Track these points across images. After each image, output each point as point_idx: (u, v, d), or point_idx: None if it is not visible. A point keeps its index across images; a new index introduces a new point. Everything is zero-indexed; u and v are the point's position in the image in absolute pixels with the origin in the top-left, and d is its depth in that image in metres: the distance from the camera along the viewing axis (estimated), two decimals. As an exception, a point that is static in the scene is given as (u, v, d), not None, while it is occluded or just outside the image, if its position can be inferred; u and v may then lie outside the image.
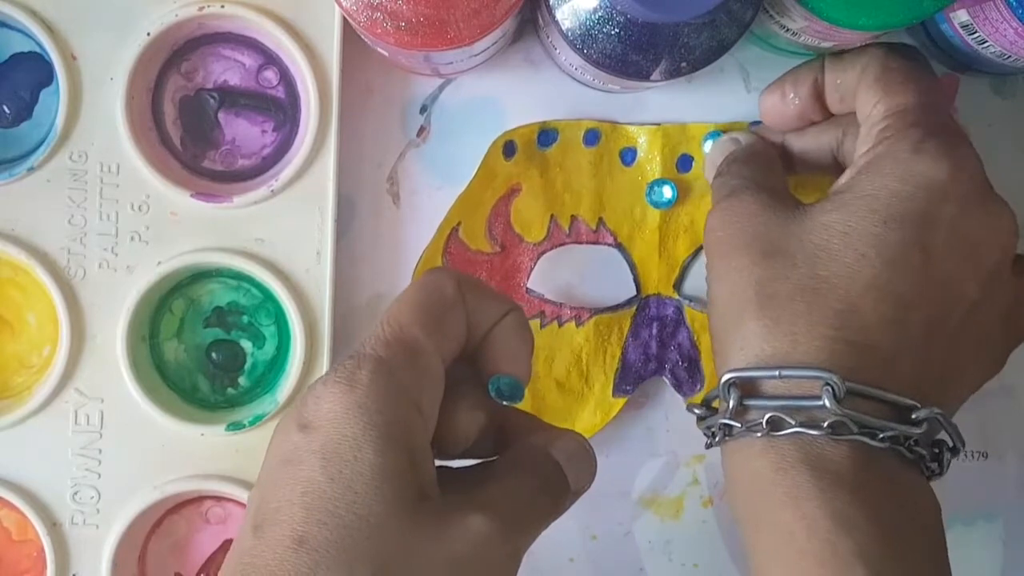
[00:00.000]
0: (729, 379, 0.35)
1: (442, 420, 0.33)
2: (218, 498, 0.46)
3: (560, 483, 0.34)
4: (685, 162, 0.45)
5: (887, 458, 0.34)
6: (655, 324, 0.46)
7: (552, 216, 0.46)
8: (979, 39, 0.40)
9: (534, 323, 0.46)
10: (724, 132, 0.45)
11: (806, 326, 0.35)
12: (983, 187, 0.37)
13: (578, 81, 0.44)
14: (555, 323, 0.46)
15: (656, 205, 0.45)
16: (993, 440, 0.47)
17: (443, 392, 0.33)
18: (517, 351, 0.35)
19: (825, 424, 0.33)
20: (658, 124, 0.45)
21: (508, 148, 0.46)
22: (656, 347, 0.46)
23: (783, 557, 0.34)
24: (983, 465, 0.47)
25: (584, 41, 0.38)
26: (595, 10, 0.37)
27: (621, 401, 0.46)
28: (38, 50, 0.44)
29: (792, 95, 0.41)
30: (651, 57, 0.38)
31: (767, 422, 0.34)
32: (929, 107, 0.38)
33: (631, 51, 0.37)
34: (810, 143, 0.42)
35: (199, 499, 0.46)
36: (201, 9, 0.43)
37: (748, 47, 0.45)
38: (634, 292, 0.46)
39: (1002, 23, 0.38)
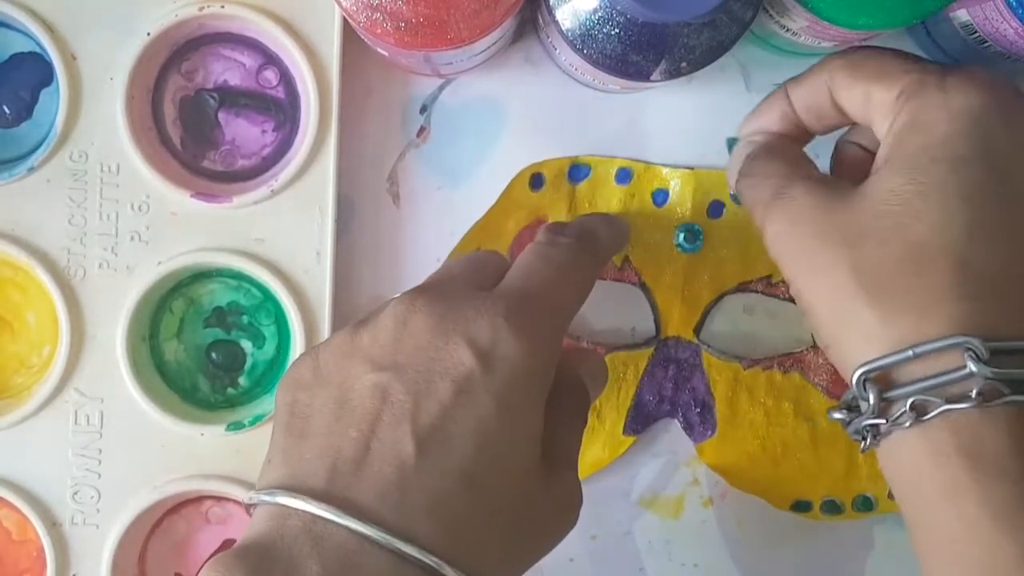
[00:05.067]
0: (861, 374, 0.33)
1: None
2: (218, 498, 0.46)
3: (587, 404, 0.38)
4: (716, 208, 0.45)
5: None
6: (672, 366, 0.45)
7: None
8: (979, 39, 0.40)
9: None
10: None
11: (925, 297, 0.32)
12: (1020, 96, 0.35)
13: (578, 81, 0.44)
14: None
15: (683, 249, 0.45)
16: (993, 440, 0.47)
17: None
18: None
19: (973, 393, 0.31)
20: (691, 168, 0.45)
21: (535, 180, 0.45)
22: (671, 389, 0.45)
23: (943, 563, 0.32)
24: (983, 465, 0.47)
25: (584, 41, 0.38)
26: (595, 10, 0.37)
27: (630, 440, 0.45)
28: (38, 50, 0.44)
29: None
30: (651, 57, 0.38)
31: (911, 408, 0.32)
32: (921, 63, 0.36)
33: (631, 51, 0.37)
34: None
35: (199, 499, 0.46)
36: (201, 9, 0.43)
37: (748, 47, 0.45)
38: (653, 332, 0.46)
39: (1002, 23, 0.38)
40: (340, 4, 0.36)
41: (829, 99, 0.38)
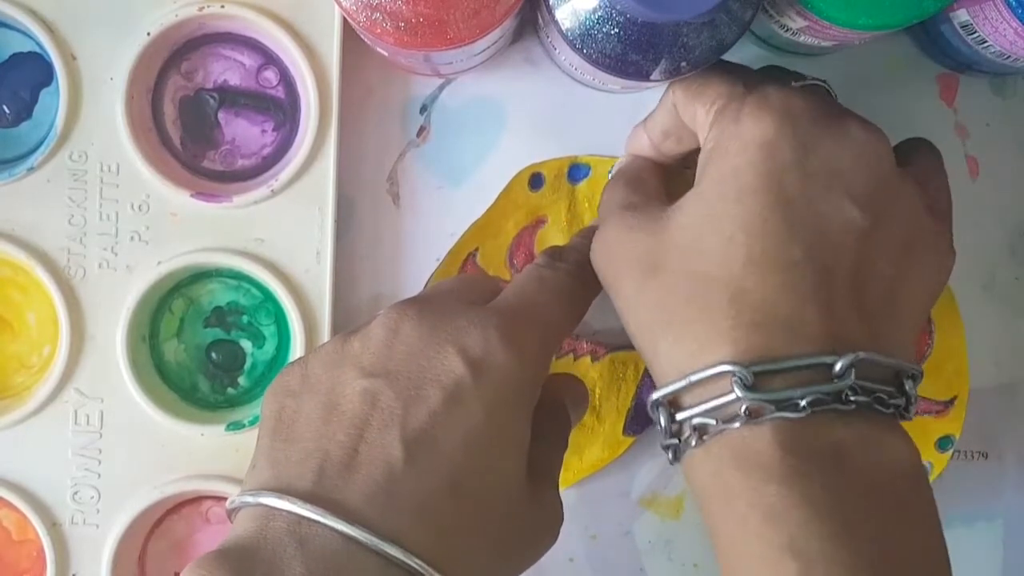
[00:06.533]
0: (653, 401, 0.35)
1: None
2: (218, 498, 0.46)
3: (568, 427, 0.39)
4: None
5: (821, 425, 0.33)
6: None
7: None
8: (979, 39, 0.40)
9: None
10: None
11: (706, 326, 0.34)
12: (821, 119, 0.36)
13: (578, 81, 0.44)
14: (570, 356, 0.45)
15: None
16: (993, 440, 0.47)
17: None
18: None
19: (742, 412, 0.33)
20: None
21: (535, 180, 0.46)
22: None
23: (729, 560, 0.33)
24: (983, 465, 0.47)
25: (584, 41, 0.38)
26: (595, 10, 0.37)
27: (629, 440, 0.45)
28: (38, 50, 0.44)
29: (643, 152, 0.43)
30: (651, 57, 0.38)
31: (694, 429, 0.34)
32: (732, 84, 0.38)
33: (631, 51, 0.37)
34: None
35: (199, 499, 0.46)
36: (201, 9, 0.43)
37: (748, 47, 0.45)
38: None
39: (1002, 23, 0.38)
40: (340, 4, 0.36)
41: (678, 119, 0.40)
